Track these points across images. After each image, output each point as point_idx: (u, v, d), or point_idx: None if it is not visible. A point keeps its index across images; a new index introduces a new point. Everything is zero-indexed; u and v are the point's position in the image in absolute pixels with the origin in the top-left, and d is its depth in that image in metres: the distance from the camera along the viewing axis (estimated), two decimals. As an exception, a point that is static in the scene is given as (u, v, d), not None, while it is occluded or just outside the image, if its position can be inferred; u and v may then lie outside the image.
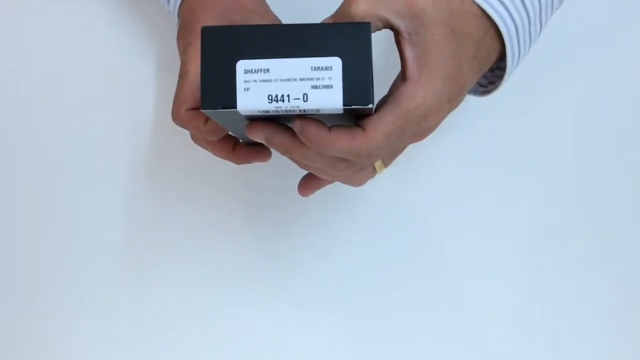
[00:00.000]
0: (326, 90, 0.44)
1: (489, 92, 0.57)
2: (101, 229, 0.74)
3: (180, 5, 0.57)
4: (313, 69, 0.44)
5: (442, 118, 0.49)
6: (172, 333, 0.74)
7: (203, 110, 0.45)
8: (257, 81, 0.44)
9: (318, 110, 0.45)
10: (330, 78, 0.44)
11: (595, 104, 0.74)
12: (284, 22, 0.58)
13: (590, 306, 0.74)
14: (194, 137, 0.58)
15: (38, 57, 0.73)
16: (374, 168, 0.53)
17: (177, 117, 0.55)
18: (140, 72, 0.73)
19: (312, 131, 0.46)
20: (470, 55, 0.48)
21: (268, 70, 0.44)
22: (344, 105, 0.44)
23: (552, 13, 0.55)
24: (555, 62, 0.72)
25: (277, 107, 0.44)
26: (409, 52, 0.47)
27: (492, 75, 0.57)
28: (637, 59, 0.73)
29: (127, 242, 0.74)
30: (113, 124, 0.73)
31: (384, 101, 0.48)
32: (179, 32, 0.57)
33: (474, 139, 0.73)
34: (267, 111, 0.45)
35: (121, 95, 0.73)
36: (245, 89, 0.44)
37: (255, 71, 0.44)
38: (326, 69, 0.44)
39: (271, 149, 0.51)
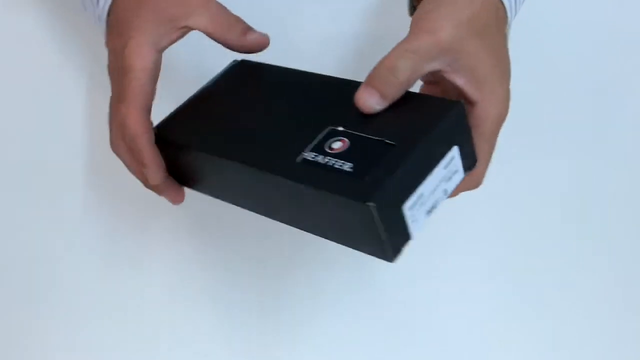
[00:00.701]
0: (455, 175, 0.48)
1: None
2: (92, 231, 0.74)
3: (111, 6, 0.55)
4: (445, 167, 0.46)
5: None
6: (172, 335, 0.74)
7: (391, 261, 0.46)
8: (418, 207, 0.46)
9: None
10: (455, 164, 0.47)
11: (591, 102, 0.74)
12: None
13: (590, 306, 0.74)
14: (116, 142, 0.53)
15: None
16: None
17: (129, 119, 0.50)
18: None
19: None
20: (499, 36, 0.50)
21: (422, 194, 0.45)
22: (463, 177, 0.49)
23: None
24: (553, 61, 0.72)
25: (431, 213, 0.47)
26: (458, 80, 0.48)
27: None
28: (634, 56, 0.73)
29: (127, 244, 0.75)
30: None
31: None
32: (110, 32, 0.55)
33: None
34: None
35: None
36: (412, 221, 0.45)
37: (414, 203, 0.45)
38: (451, 160, 0.46)
39: None
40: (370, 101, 0.47)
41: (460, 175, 0.48)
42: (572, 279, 0.74)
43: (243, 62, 0.56)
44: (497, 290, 0.74)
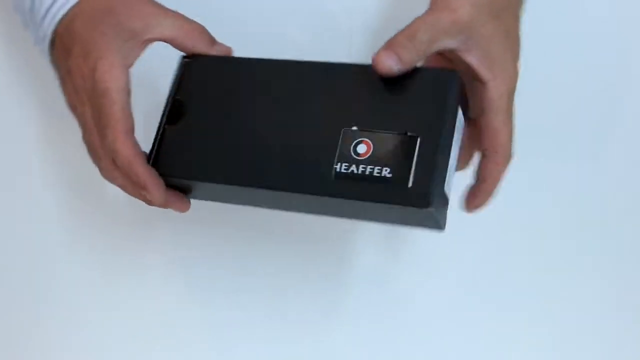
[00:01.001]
0: (461, 130, 0.49)
1: None
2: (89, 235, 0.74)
3: (56, 28, 0.53)
4: (457, 131, 0.47)
5: None
6: (173, 336, 0.74)
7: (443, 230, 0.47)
8: (449, 176, 0.47)
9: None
10: (461, 123, 0.48)
11: (592, 104, 0.74)
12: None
13: (591, 307, 0.74)
14: (110, 169, 0.52)
15: None
16: None
17: (117, 144, 0.49)
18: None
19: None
20: (513, 19, 0.51)
21: (451, 165, 0.47)
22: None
23: None
24: (553, 63, 0.72)
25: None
26: (471, 59, 0.49)
27: None
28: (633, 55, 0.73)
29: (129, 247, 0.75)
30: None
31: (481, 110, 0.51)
32: (67, 54, 0.53)
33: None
34: None
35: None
36: (448, 189, 0.47)
37: (449, 176, 0.47)
38: (459, 121, 0.48)
39: None
40: (389, 62, 0.47)
41: (463, 128, 0.49)
42: (572, 280, 0.74)
43: (195, 58, 0.53)
44: (498, 291, 0.74)
